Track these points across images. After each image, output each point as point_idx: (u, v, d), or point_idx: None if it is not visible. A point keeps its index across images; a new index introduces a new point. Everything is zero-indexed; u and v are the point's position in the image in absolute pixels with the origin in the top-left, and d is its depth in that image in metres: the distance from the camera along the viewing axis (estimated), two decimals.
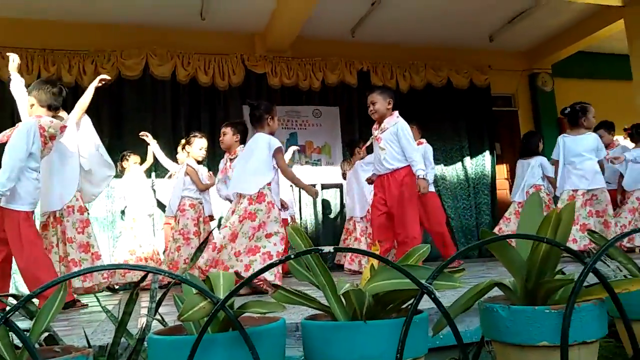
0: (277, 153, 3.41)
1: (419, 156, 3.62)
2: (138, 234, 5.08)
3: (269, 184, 3.35)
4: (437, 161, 6.98)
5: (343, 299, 1.19)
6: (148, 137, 5.17)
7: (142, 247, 5.02)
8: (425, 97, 7.09)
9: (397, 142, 3.62)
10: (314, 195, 3.60)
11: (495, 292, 1.28)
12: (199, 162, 4.82)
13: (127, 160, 5.26)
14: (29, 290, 3.04)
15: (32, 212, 3.07)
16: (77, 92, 5.55)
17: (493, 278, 1.22)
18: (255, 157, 3.40)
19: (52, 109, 3.22)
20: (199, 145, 4.70)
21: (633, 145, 5.42)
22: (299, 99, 6.56)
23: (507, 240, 1.16)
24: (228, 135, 4.05)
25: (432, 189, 4.83)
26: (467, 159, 7.18)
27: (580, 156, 4.30)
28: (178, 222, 4.58)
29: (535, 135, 5.54)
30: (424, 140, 5.07)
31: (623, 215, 5.04)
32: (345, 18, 6.27)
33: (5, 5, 5.26)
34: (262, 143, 3.40)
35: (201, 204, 4.71)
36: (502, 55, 7.56)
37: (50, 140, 3.12)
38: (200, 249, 1.49)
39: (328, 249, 1.06)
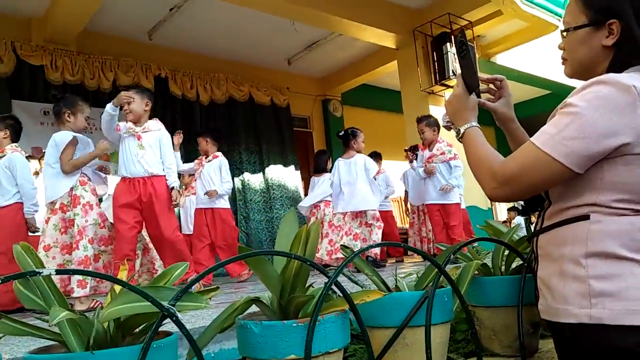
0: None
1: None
2: None
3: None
4: (237, 173, 7.06)
5: (79, 327, 1.03)
6: None
7: None
8: (228, 109, 7.12)
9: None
10: None
11: (256, 308, 1.28)
12: None
13: None
14: None
15: None
16: None
17: (250, 294, 1.20)
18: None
19: None
20: None
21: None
22: (85, 99, 5.86)
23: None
24: None
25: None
26: (269, 172, 7.40)
27: (351, 180, 4.57)
28: None
29: (325, 154, 5.97)
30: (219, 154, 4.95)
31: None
32: (141, 18, 5.92)
33: None
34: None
35: None
36: (299, 79, 8.07)
37: None
38: None
39: (47, 271, 0.91)
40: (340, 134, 4.74)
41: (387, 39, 6.73)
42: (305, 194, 7.89)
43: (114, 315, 0.96)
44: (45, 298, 1.07)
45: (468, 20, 6.43)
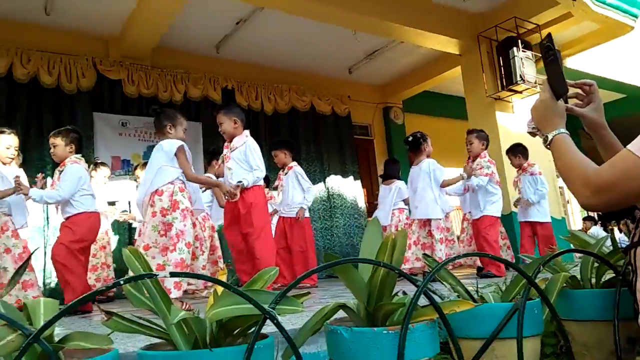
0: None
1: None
2: None
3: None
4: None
5: (184, 326, 1.11)
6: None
7: None
8: (290, 119, 7.27)
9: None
10: None
11: (344, 313, 1.31)
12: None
13: None
14: None
15: None
16: None
17: (339, 300, 1.24)
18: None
19: None
20: (6, 143, 3.69)
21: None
22: None
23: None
24: (59, 146, 3.64)
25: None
26: (330, 181, 7.46)
27: (418, 186, 4.53)
28: None
29: (396, 162, 5.93)
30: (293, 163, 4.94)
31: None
32: (210, 33, 6.18)
33: None
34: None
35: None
36: (360, 88, 8.10)
37: None
38: (18, 272, 1.28)
39: (163, 274, 0.98)
40: (409, 139, 4.70)
41: (450, 45, 6.64)
42: (367, 202, 7.91)
43: (220, 316, 1.02)
44: (153, 298, 1.15)
45: (535, 24, 6.22)
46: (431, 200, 4.44)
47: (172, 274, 0.97)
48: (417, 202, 4.51)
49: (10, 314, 0.92)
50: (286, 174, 4.75)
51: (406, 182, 5.44)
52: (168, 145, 3.15)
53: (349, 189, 7.64)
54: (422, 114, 8.63)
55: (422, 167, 4.55)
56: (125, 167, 5.84)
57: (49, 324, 0.87)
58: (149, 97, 6.08)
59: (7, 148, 3.69)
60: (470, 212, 4.82)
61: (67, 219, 3.58)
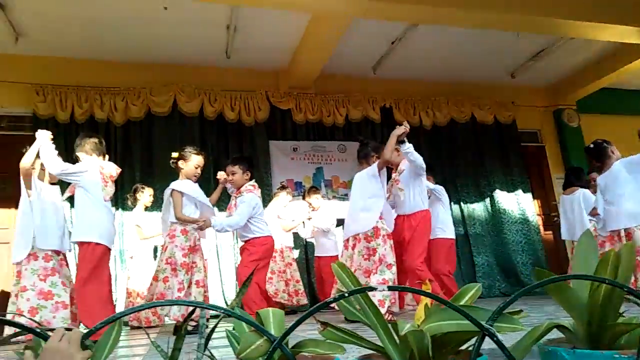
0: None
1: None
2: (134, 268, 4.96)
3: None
4: (465, 198, 6.94)
5: (397, 340, 1.16)
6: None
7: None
8: (450, 132, 7.12)
9: None
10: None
11: (551, 334, 1.24)
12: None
13: (142, 192, 5.15)
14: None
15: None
16: (108, 127, 5.74)
17: (552, 320, 1.17)
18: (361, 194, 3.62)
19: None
20: (196, 162, 3.85)
21: None
22: (323, 134, 6.63)
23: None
24: (238, 174, 3.89)
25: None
26: (497, 195, 7.09)
27: (610, 195, 4.06)
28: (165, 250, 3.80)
29: (580, 170, 5.34)
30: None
31: None
32: (367, 56, 6.39)
33: (41, 45, 5.50)
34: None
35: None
36: (525, 92, 7.59)
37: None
38: (245, 284, 1.47)
39: (381, 287, 1.04)
40: (591, 146, 4.26)
41: (629, 35, 5.84)
42: (542, 215, 7.29)
43: (435, 331, 1.04)
44: (364, 311, 1.23)
45: None
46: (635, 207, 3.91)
47: (390, 288, 1.02)
48: (612, 211, 4.01)
49: (255, 322, 1.07)
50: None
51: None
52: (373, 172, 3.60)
53: (518, 202, 7.12)
54: (600, 113, 7.73)
55: (614, 170, 4.04)
56: (298, 189, 6.30)
57: (290, 330, 0.99)
58: (314, 122, 6.52)
59: (196, 167, 3.86)
60: None
61: (245, 242, 3.86)
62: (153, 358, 2.16)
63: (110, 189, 3.55)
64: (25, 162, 3.51)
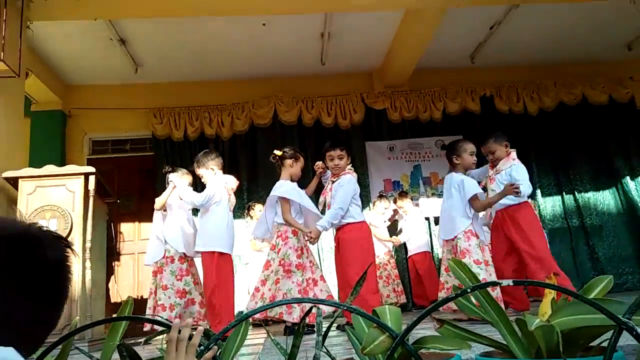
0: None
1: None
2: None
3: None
4: (579, 186, 6.44)
5: (520, 335, 1.13)
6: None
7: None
8: (558, 117, 6.63)
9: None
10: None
11: None
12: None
13: (253, 209, 5.49)
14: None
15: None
16: (217, 142, 6.16)
17: None
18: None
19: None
20: (302, 164, 3.88)
21: None
22: (420, 130, 6.52)
23: None
24: (344, 158, 3.72)
25: None
26: (615, 182, 6.49)
27: None
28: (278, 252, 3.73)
29: None
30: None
31: None
32: (463, 45, 6.17)
33: (156, 73, 6.07)
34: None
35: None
36: None
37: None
38: (359, 283, 1.51)
39: (506, 282, 1.02)
40: None
41: None
42: None
43: (566, 325, 1.00)
44: (484, 308, 1.21)
45: None
46: None
47: (516, 282, 1.00)
48: None
49: (377, 319, 1.10)
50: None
51: None
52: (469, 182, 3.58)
53: None
54: None
55: None
56: (395, 188, 6.26)
57: (412, 326, 1.01)
58: (410, 119, 6.44)
59: (301, 169, 3.87)
60: None
61: (339, 229, 3.66)
62: (270, 356, 2.29)
63: (233, 200, 3.88)
64: (158, 206, 4.02)
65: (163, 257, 3.88)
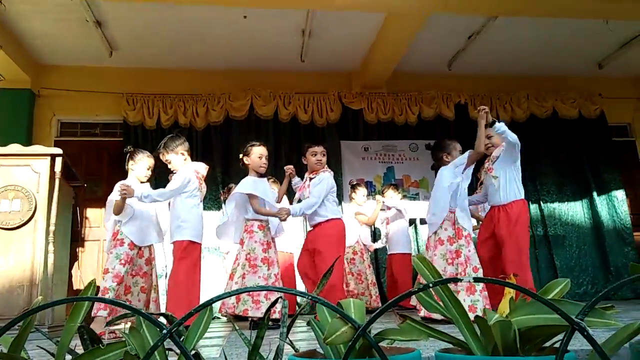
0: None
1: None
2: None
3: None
4: (545, 197, 6.62)
5: (479, 333, 1.15)
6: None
7: None
8: (529, 128, 6.81)
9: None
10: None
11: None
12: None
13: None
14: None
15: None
16: (191, 131, 6.08)
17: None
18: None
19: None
20: (258, 153, 3.72)
21: None
22: (395, 133, 6.59)
23: None
24: (325, 156, 3.84)
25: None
26: (583, 194, 6.72)
27: None
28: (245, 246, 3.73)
29: None
30: None
31: None
32: (441, 52, 6.27)
33: (132, 57, 5.95)
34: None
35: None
36: (613, 83, 7.08)
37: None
38: (326, 276, 1.52)
39: (467, 279, 1.04)
40: None
41: None
42: (631, 214, 6.78)
43: (522, 324, 1.03)
44: (445, 304, 1.23)
45: None
46: None
47: (476, 280, 1.03)
48: None
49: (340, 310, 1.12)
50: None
51: None
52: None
53: (607, 201, 6.65)
54: None
55: None
56: (369, 189, 6.30)
57: (374, 318, 1.02)
58: (386, 121, 6.50)
59: (260, 157, 3.73)
60: None
61: (315, 226, 3.74)
62: (234, 347, 2.27)
63: (204, 189, 3.69)
64: (116, 213, 3.49)
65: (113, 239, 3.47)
